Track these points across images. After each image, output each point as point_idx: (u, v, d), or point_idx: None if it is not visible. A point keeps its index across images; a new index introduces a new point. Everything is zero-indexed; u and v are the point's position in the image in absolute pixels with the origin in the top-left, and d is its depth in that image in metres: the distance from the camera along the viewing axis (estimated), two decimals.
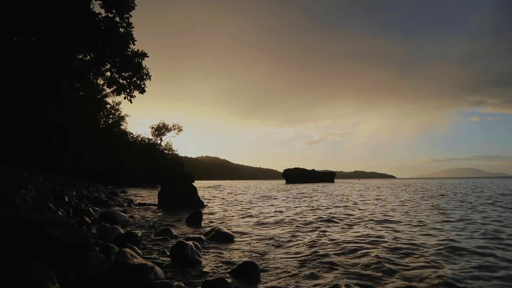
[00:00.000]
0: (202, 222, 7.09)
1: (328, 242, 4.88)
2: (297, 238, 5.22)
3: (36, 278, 1.93)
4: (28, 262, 1.96)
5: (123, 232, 4.68)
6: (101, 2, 11.06)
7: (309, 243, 4.78)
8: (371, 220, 7.14)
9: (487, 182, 48.41)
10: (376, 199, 13.71)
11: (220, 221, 7.38)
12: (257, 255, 4.13)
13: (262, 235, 5.52)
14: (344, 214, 8.45)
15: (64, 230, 2.31)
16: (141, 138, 54.85)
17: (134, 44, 12.29)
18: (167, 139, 61.08)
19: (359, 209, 9.61)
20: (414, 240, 4.89)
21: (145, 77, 13.27)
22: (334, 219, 7.36)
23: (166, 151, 58.61)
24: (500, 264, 3.61)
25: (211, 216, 8.39)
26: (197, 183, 30.81)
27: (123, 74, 13.21)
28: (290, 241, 5.00)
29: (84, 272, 2.26)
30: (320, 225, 6.60)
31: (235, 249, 4.47)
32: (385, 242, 4.76)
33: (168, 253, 3.78)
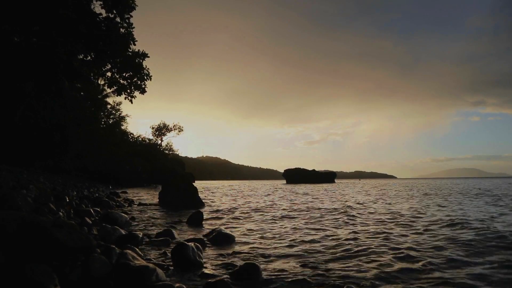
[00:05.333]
0: (203, 222, 7.09)
1: (330, 245, 4.88)
2: (298, 238, 5.21)
3: (38, 280, 1.94)
4: (31, 264, 1.97)
5: (124, 233, 4.69)
6: (101, 3, 11.05)
7: (311, 245, 4.78)
8: None
9: None
10: None
11: (221, 222, 7.38)
12: (258, 256, 4.13)
13: (262, 236, 5.52)
14: None
15: (68, 232, 2.32)
16: (142, 138, 54.98)
17: (134, 45, 12.25)
18: (167, 139, 61.21)
19: None
20: None
21: (145, 77, 13.22)
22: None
23: (166, 151, 58.72)
24: None
25: (211, 216, 8.39)
26: (197, 183, 30.83)
27: (124, 74, 13.16)
28: (291, 241, 5.00)
29: (88, 274, 2.26)
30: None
31: (236, 250, 4.47)
32: None
33: (169, 255, 3.78)
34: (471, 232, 5.53)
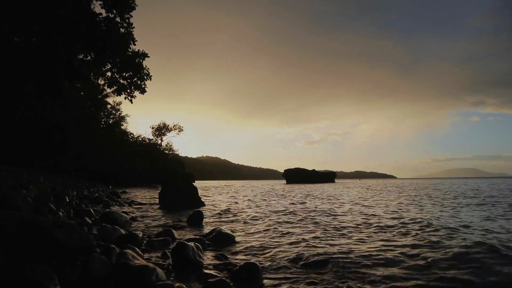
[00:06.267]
0: (203, 222, 7.10)
1: (329, 245, 4.88)
2: (298, 238, 5.21)
3: (38, 280, 1.94)
4: (31, 264, 1.97)
5: (124, 233, 4.69)
6: (101, 3, 11.05)
7: (312, 245, 4.78)
8: None
9: None
10: None
11: (221, 222, 7.38)
12: (259, 255, 4.13)
13: (263, 236, 5.52)
14: None
15: (68, 232, 2.32)
16: (142, 138, 55.03)
17: (134, 44, 12.24)
18: (167, 139, 61.30)
19: None
20: None
21: (145, 77, 13.23)
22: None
23: (166, 151, 58.77)
24: None
25: (211, 216, 8.39)
26: (197, 183, 30.83)
27: (124, 74, 13.16)
28: (291, 240, 5.00)
29: (88, 274, 2.26)
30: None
31: (236, 249, 4.48)
32: None
33: (169, 254, 3.78)
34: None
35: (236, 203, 12.96)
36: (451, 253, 4.10)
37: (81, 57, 11.91)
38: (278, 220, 7.52)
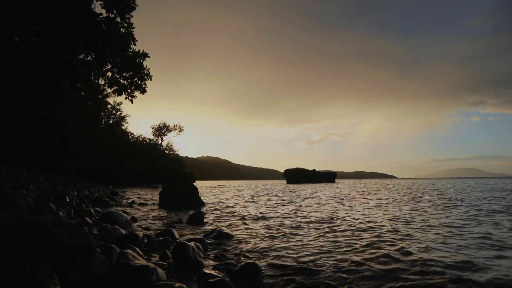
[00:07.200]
0: (203, 222, 7.09)
1: (327, 243, 4.88)
2: (299, 238, 5.21)
3: (38, 280, 1.94)
4: (31, 264, 1.96)
5: (124, 233, 4.68)
6: (102, 3, 11.04)
7: (312, 245, 4.78)
8: None
9: None
10: None
11: (221, 221, 7.38)
12: (259, 255, 4.13)
13: (263, 236, 5.52)
14: None
15: (68, 232, 2.31)
16: (142, 138, 54.99)
17: (135, 44, 12.23)
18: (168, 139, 61.33)
19: None
20: None
21: (146, 77, 13.22)
22: None
23: (167, 151, 58.75)
24: None
25: (212, 216, 8.39)
26: (198, 183, 30.82)
27: (124, 74, 13.14)
28: (292, 240, 5.00)
29: (88, 274, 2.26)
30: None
31: (237, 249, 4.47)
32: None
33: (170, 254, 3.78)
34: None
35: (237, 203, 12.96)
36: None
37: (81, 57, 11.90)
38: (279, 221, 7.52)
